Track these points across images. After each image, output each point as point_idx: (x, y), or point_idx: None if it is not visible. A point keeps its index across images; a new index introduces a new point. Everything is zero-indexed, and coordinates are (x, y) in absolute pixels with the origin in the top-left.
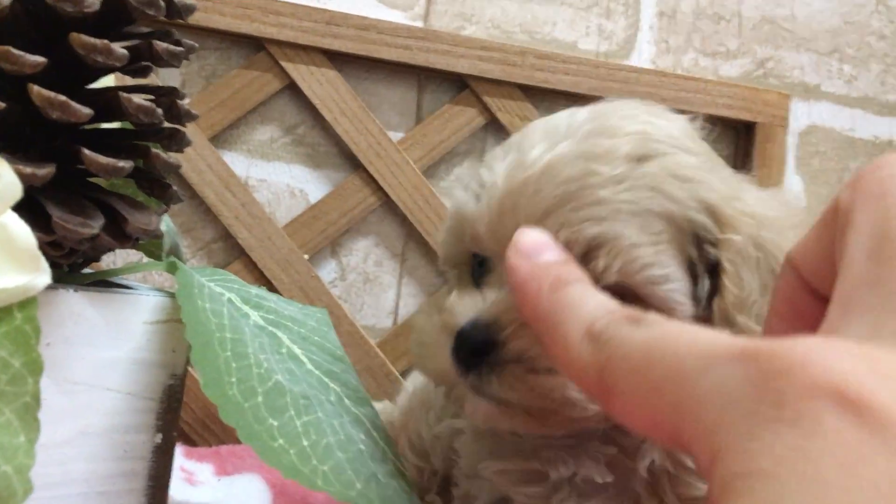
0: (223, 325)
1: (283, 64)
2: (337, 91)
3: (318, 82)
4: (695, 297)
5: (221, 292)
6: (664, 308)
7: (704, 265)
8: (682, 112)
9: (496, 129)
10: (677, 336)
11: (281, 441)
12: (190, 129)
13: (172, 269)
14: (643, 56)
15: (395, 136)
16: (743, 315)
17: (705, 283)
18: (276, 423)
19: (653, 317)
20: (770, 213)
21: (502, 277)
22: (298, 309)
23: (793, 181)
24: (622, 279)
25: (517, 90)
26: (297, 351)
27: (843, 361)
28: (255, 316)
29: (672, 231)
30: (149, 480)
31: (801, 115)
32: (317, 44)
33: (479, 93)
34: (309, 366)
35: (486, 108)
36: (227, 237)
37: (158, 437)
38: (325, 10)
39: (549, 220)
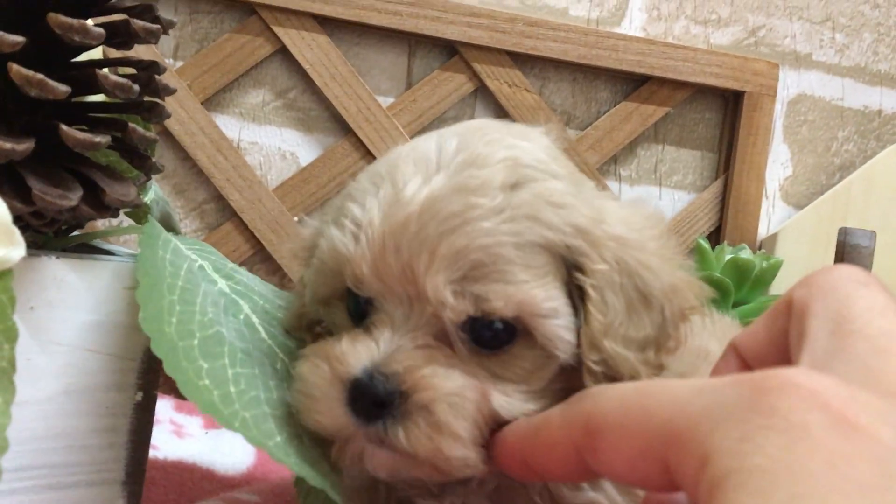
0: (177, 273)
1: (275, 28)
2: (328, 56)
3: (308, 47)
4: (578, 329)
5: (194, 258)
6: (551, 342)
7: (578, 292)
8: (671, 81)
9: (485, 96)
10: (659, 381)
11: (207, 381)
12: (182, 93)
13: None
14: (634, 24)
15: (386, 101)
16: (609, 339)
17: (582, 312)
18: (206, 366)
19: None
20: (631, 234)
21: (393, 319)
22: (271, 289)
23: (780, 150)
24: (517, 314)
25: (506, 57)
26: (255, 320)
27: (828, 386)
28: (222, 283)
29: (553, 260)
30: (130, 435)
31: (791, 83)
32: (307, 9)
33: (468, 59)
34: (263, 335)
35: (475, 75)
36: (218, 198)
37: (139, 396)
38: None
39: (436, 261)
